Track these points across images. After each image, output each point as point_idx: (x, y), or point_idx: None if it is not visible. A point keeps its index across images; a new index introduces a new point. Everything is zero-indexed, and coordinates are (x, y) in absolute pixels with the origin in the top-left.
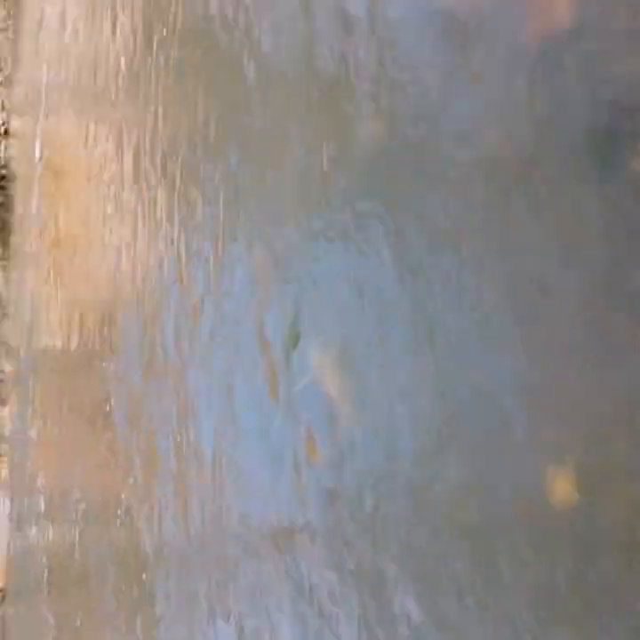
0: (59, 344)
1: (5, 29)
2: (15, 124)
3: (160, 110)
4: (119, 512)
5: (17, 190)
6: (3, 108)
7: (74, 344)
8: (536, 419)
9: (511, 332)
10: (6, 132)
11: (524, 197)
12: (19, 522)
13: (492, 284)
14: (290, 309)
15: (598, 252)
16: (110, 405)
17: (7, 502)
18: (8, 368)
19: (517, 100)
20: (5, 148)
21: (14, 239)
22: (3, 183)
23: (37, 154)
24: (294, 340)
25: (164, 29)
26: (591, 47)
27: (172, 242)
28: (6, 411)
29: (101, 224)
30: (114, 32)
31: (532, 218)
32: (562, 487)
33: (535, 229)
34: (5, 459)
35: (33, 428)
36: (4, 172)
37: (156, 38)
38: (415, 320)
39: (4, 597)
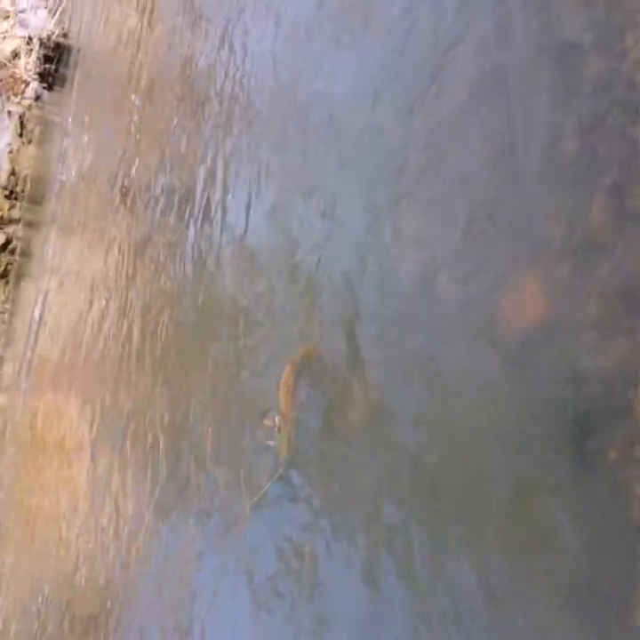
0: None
1: (3, 312)
2: (2, 400)
3: (129, 394)
4: None
5: None
6: None
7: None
8: None
9: None
10: None
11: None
12: None
13: None
14: None
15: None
16: None
17: None
18: None
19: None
20: None
21: None
22: None
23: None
24: None
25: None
26: (565, 344)
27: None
28: None
29: (66, 512)
30: (92, 314)
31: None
32: None
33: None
34: None
35: None
36: None
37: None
38: None
39: None
